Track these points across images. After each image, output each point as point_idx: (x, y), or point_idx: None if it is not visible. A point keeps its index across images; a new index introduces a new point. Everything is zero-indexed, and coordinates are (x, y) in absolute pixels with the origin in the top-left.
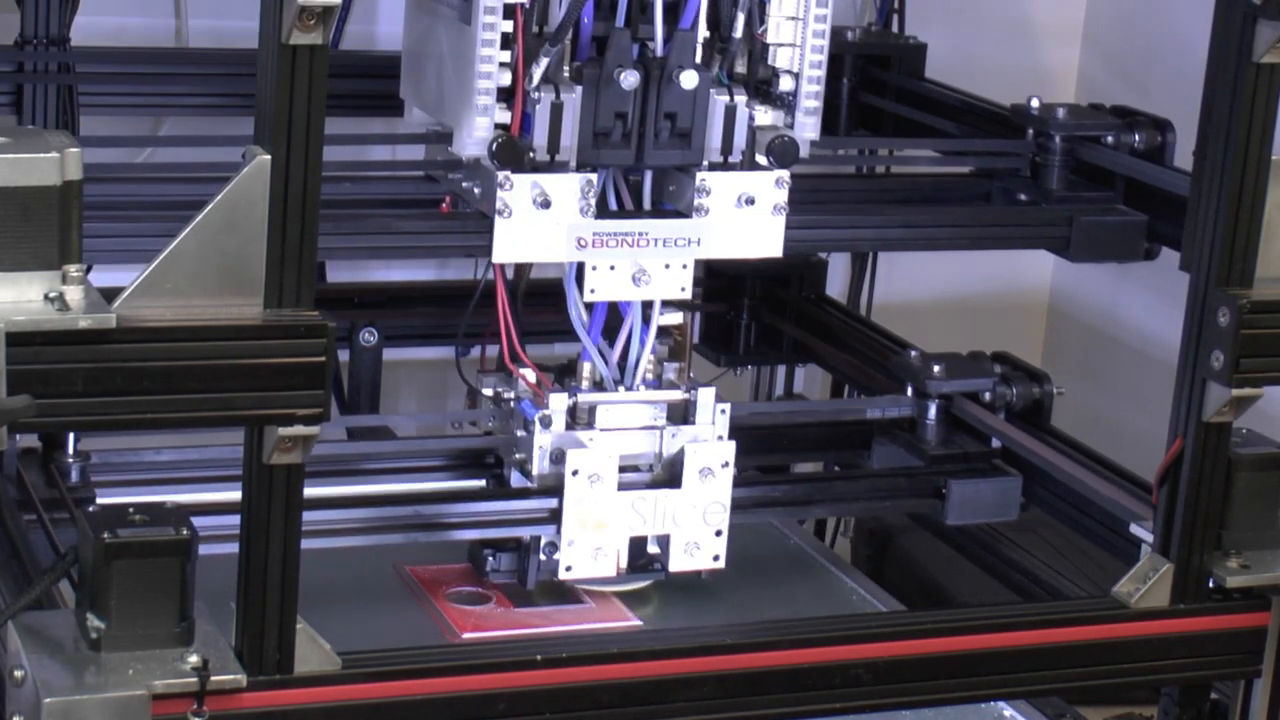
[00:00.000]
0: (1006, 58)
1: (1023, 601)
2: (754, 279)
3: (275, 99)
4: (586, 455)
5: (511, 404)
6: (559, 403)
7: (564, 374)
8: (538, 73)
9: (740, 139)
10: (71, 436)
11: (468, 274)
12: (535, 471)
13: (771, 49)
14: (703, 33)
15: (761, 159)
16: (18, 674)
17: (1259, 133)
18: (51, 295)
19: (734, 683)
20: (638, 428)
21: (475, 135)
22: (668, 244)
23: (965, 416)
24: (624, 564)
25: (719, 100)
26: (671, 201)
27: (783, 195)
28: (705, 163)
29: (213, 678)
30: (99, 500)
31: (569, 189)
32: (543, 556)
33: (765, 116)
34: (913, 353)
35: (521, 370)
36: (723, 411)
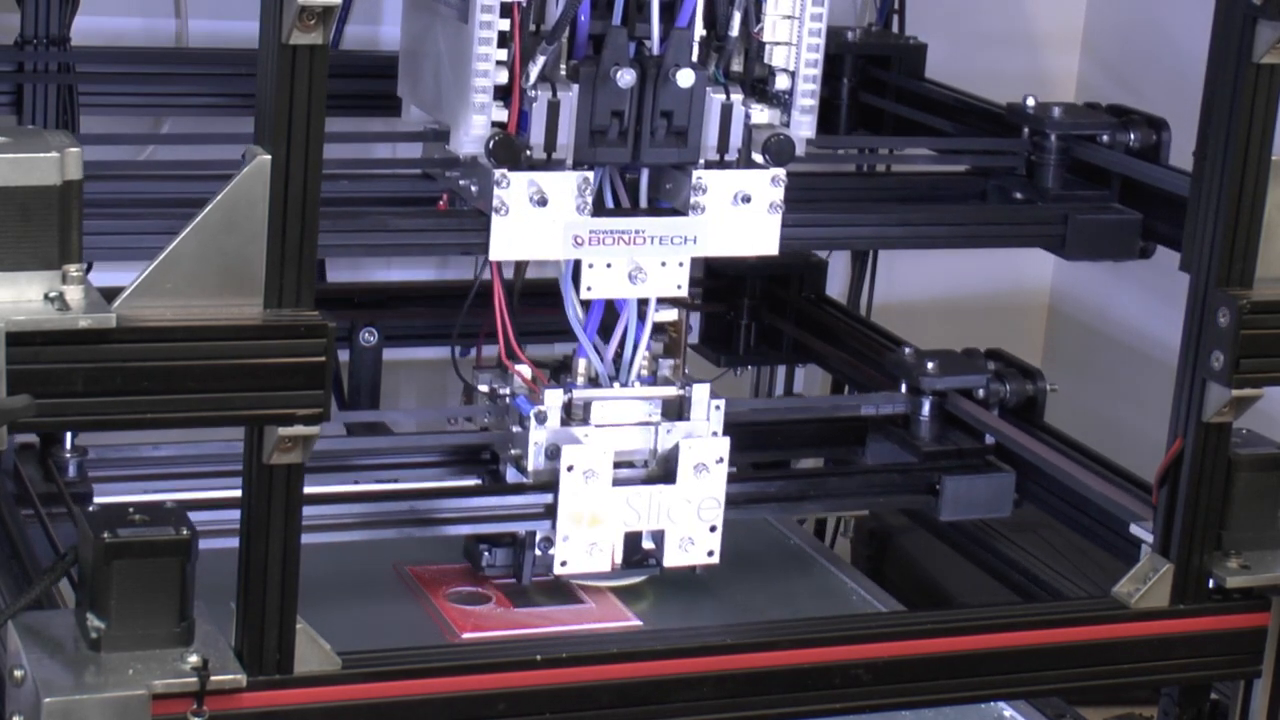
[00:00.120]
0: (1006, 57)
1: (1023, 601)
2: (754, 279)
3: (275, 99)
4: (581, 451)
5: (507, 400)
6: (554, 399)
7: (559, 370)
8: (534, 71)
9: (736, 137)
10: (69, 432)
11: (468, 274)
12: (530, 467)
13: (768, 47)
14: (699, 31)
15: (758, 157)
16: (18, 674)
17: (1259, 133)
18: (51, 295)
19: (734, 683)
20: (633, 424)
21: (472, 133)
22: (664, 242)
23: (959, 413)
24: (619, 559)
25: (715, 99)
26: (668, 199)
27: (779, 193)
28: (701, 161)
29: (213, 678)
30: (97, 495)
31: (566, 187)
32: (538, 552)
33: (761, 115)
34: (907, 349)
35: (517, 367)
36: (717, 408)
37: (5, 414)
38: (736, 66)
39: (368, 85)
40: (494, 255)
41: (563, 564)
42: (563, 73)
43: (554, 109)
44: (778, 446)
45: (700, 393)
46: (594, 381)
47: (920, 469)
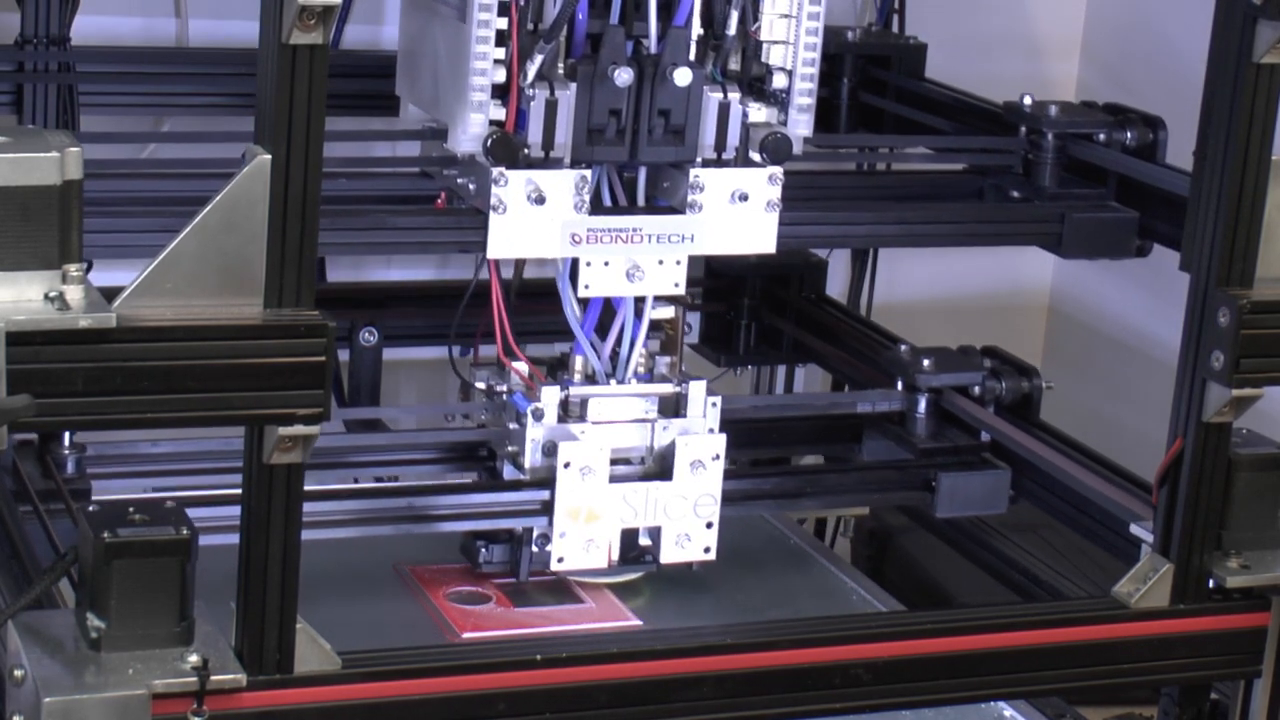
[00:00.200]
0: (1006, 57)
1: (1023, 601)
2: (754, 279)
3: (275, 99)
4: (578, 448)
5: (504, 397)
6: (551, 396)
7: (556, 368)
8: (532, 70)
9: (734, 136)
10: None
11: (468, 273)
12: (527, 464)
13: (765, 46)
14: (696, 30)
15: (755, 156)
16: (18, 673)
17: (1259, 133)
18: (51, 295)
19: (734, 683)
20: (629, 421)
21: (470, 132)
22: (661, 240)
23: (955, 410)
24: (615, 556)
25: (713, 97)
26: (665, 198)
27: (776, 192)
28: (699, 159)
29: (213, 677)
30: (95, 492)
31: (563, 185)
32: (535, 548)
33: (759, 113)
34: (903, 347)
35: (514, 364)
36: (714, 405)
37: (5, 414)
38: (734, 65)
39: (368, 85)
40: (492, 253)
41: (560, 560)
42: (560, 71)
43: (552, 107)
44: (774, 444)
45: (697, 390)
46: (591, 379)
47: (916, 466)
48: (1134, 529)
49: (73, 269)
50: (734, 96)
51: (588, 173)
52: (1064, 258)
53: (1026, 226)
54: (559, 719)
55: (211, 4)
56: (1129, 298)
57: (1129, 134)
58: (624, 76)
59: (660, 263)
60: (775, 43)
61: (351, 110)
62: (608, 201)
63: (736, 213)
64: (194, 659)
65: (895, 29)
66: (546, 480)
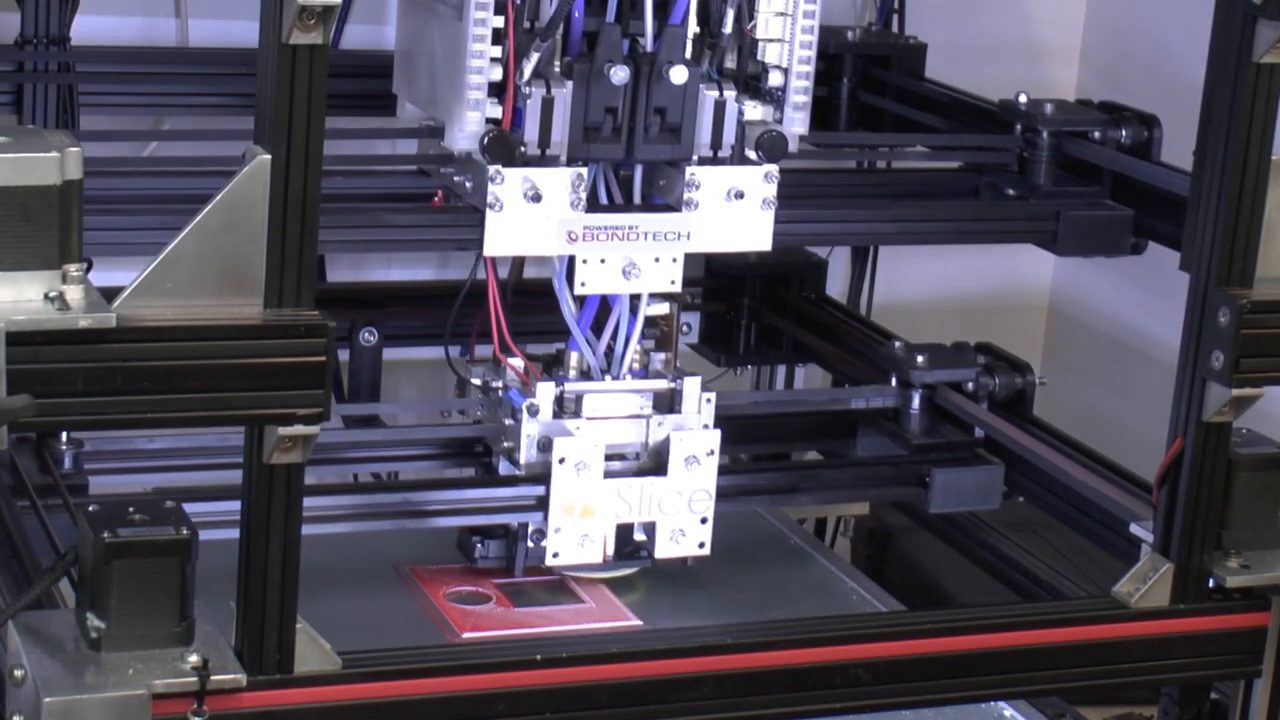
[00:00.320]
0: (1005, 57)
1: (1023, 601)
2: (754, 279)
3: (275, 99)
4: (573, 443)
5: (500, 393)
6: (546, 392)
7: (552, 364)
8: (529, 68)
9: (730, 134)
10: None
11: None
12: (523, 460)
13: (761, 44)
14: (692, 28)
15: (751, 154)
16: (18, 673)
17: (1259, 133)
18: (51, 295)
19: (734, 683)
20: (624, 416)
21: (467, 130)
22: (657, 238)
23: (948, 406)
24: (611, 551)
25: (708, 95)
26: (661, 196)
27: (772, 189)
28: (695, 157)
29: (213, 677)
30: (93, 487)
31: (560, 183)
32: (530, 544)
33: (754, 111)
34: (897, 343)
35: (510, 360)
36: (708, 401)
37: (5, 414)
38: (730, 63)
39: (368, 85)
40: (488, 251)
41: (554, 555)
42: (557, 69)
43: (548, 106)
44: (769, 440)
45: (691, 386)
46: (586, 375)
47: (910, 461)
48: (1134, 529)
49: (73, 269)
50: (730, 94)
51: (584, 171)
52: (1059, 255)
53: (1022, 224)
54: (559, 719)
55: (211, 4)
56: (1129, 297)
57: (1124, 132)
58: (620, 75)
59: (656, 260)
60: (771, 41)
61: (351, 110)
62: (604, 199)
63: (732, 210)
64: (194, 659)
65: (895, 29)
66: (542, 476)
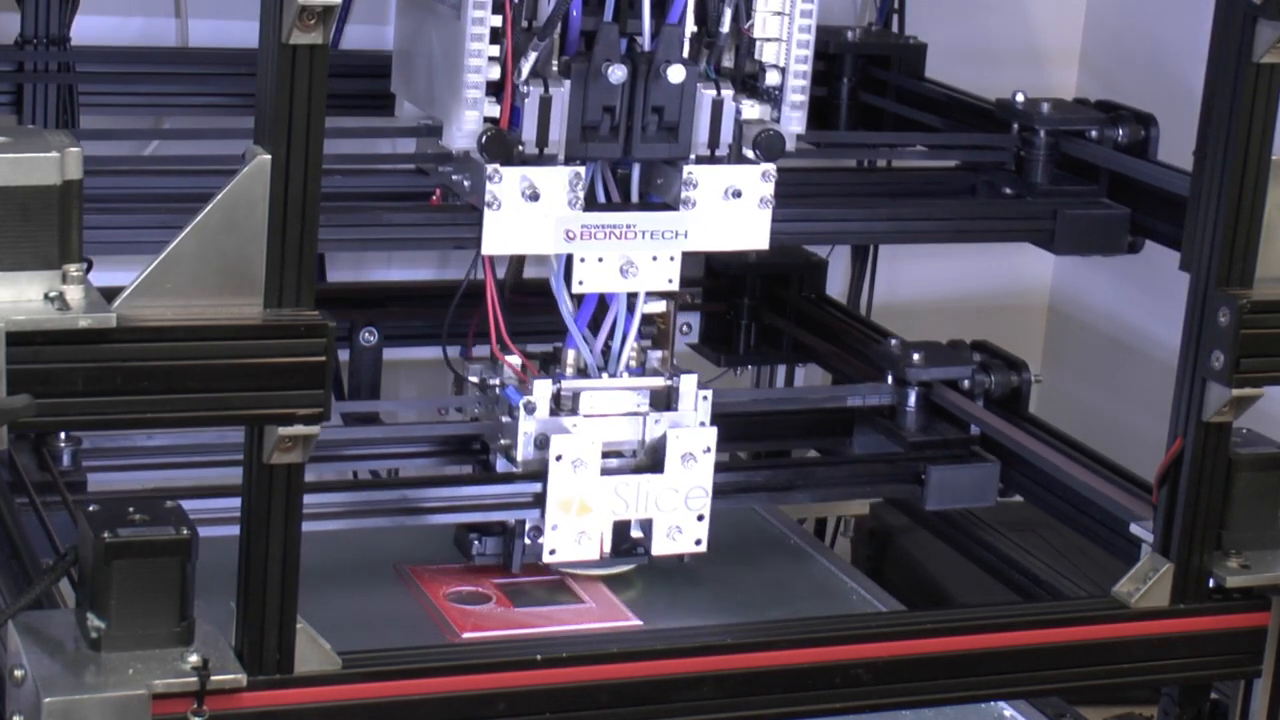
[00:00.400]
0: (1006, 56)
1: (1023, 601)
2: (754, 279)
3: (275, 99)
4: (570, 440)
5: (497, 391)
6: (543, 389)
7: (549, 362)
8: (526, 67)
9: (727, 133)
10: None
11: (473, 275)
12: (520, 457)
13: (758, 44)
14: (690, 27)
15: (748, 152)
16: (18, 674)
17: (1259, 133)
18: (51, 295)
19: (734, 683)
20: (621, 414)
21: (465, 129)
22: (655, 236)
23: (944, 404)
24: (607, 548)
25: (706, 94)
26: (659, 194)
27: (769, 188)
28: (692, 156)
29: (213, 677)
30: (91, 484)
31: (557, 182)
32: (527, 540)
33: (752, 110)
34: (893, 341)
35: (507, 357)
36: (705, 398)
37: (5, 414)
38: (727, 62)
39: (368, 85)
40: (486, 249)
41: (551, 552)
42: (554, 68)
43: (546, 104)
44: (765, 438)
45: (688, 383)
46: (583, 372)
47: (906, 459)
48: (1134, 529)
49: (73, 269)
50: (727, 93)
51: (582, 169)
52: (1056, 254)
53: (1019, 223)
54: (559, 719)
55: (211, 4)
56: (1129, 297)
57: (1121, 131)
58: (618, 73)
59: (654, 259)
60: (768, 40)
61: (351, 110)
62: (602, 198)
63: (730, 209)
64: (194, 659)
65: (895, 29)
66: (538, 473)
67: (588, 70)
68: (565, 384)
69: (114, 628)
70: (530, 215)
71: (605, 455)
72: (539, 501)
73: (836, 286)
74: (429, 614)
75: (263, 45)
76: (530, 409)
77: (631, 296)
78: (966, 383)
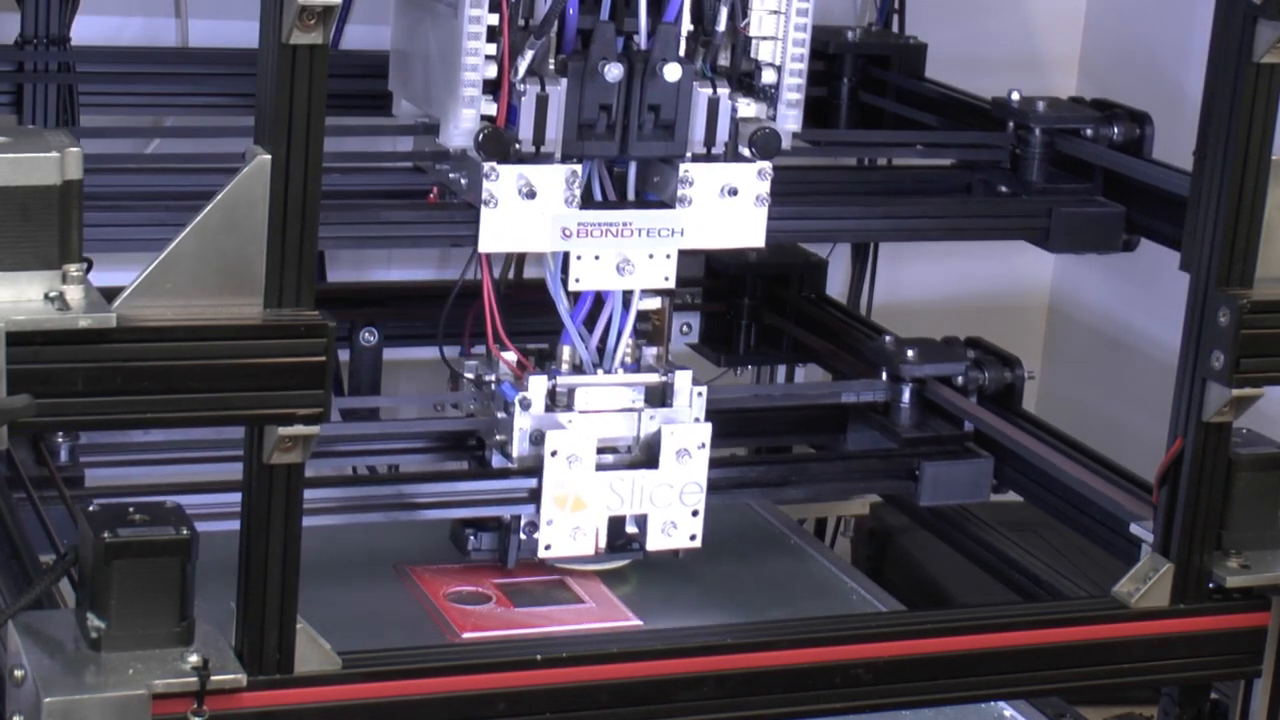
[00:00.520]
0: (1006, 56)
1: (1023, 601)
2: (754, 279)
3: (275, 99)
4: (565, 436)
5: (492, 387)
6: (538, 385)
7: (544, 358)
8: (523, 65)
9: (723, 131)
10: None
11: (471, 274)
12: (515, 453)
13: (754, 42)
14: (686, 26)
15: (744, 151)
16: (18, 674)
17: (1259, 133)
18: (51, 295)
19: (734, 683)
20: (616, 410)
21: (462, 127)
22: (651, 234)
23: (938, 400)
24: (603, 543)
25: (702, 93)
26: (655, 192)
27: (765, 186)
28: (688, 154)
29: (213, 677)
30: (88, 479)
31: (554, 180)
32: (523, 536)
33: (748, 109)
34: (887, 338)
35: (503, 354)
36: (699, 394)
37: (5, 414)
38: (723, 61)
39: (368, 85)
40: (483, 247)
41: (547, 548)
42: (551, 67)
43: (542, 103)
44: (760, 434)
45: (683, 380)
46: (578, 369)
47: (900, 455)
48: (1134, 529)
49: (73, 269)
50: (723, 92)
51: (578, 167)
52: (1051, 251)
53: (1014, 221)
54: (559, 719)
55: (211, 4)
56: (1129, 297)
57: (1116, 129)
58: (614, 72)
59: (650, 257)
60: (764, 38)
61: (351, 110)
62: (598, 196)
63: (726, 207)
64: (194, 659)
65: (895, 29)
66: (534, 468)
67: (584, 69)
68: (561, 380)
69: (114, 628)
70: (527, 213)
71: (600, 451)
72: (534, 497)
73: (837, 287)
74: (429, 614)
75: (263, 45)
76: (526, 405)
77: (627, 293)
78: (960, 379)
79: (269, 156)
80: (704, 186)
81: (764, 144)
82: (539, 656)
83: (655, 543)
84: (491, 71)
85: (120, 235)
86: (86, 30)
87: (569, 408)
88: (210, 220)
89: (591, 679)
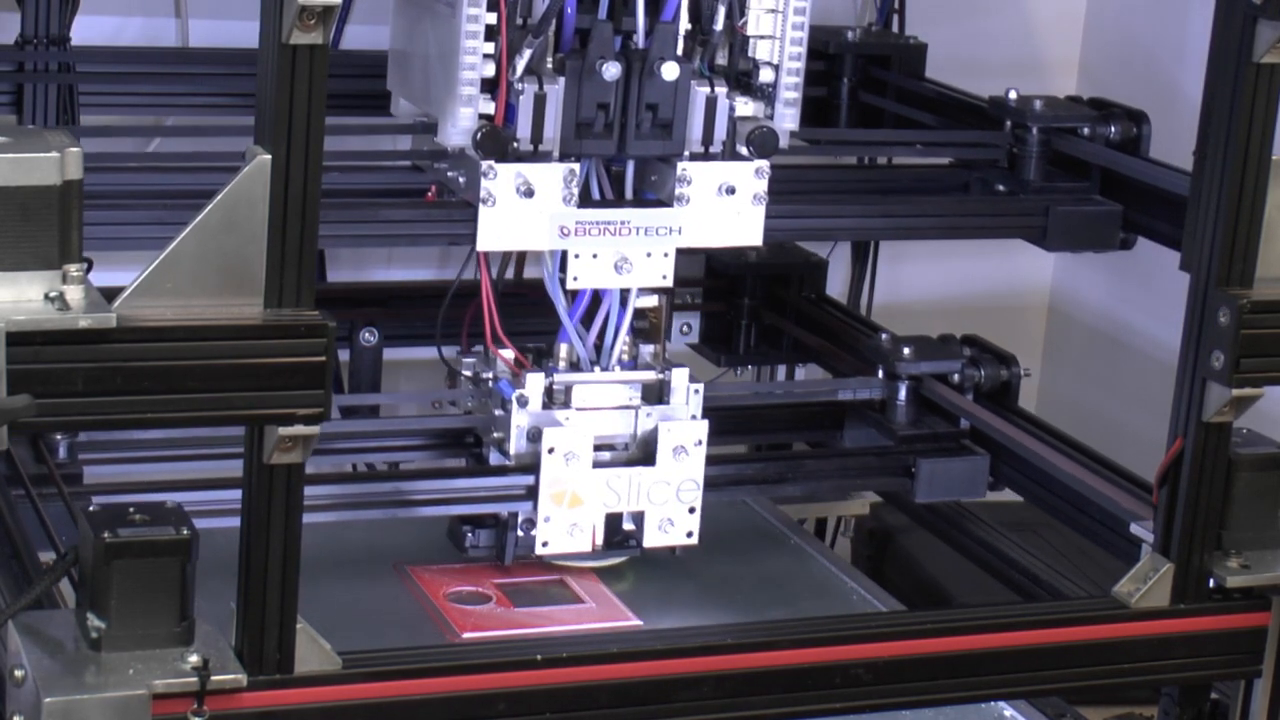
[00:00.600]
0: (1006, 56)
1: (1023, 601)
2: (754, 279)
3: (275, 99)
4: (562, 434)
5: (490, 384)
6: (535, 383)
7: (542, 355)
8: (521, 64)
9: (721, 130)
10: None
11: (469, 273)
12: (513, 450)
13: (752, 41)
14: (684, 25)
15: (742, 149)
16: (18, 674)
17: (1259, 133)
18: (51, 295)
19: (734, 683)
20: (613, 407)
21: (460, 125)
22: (649, 233)
23: (934, 397)
24: (600, 540)
25: (700, 91)
26: (653, 191)
27: (762, 185)
28: (686, 153)
29: (213, 677)
30: (87, 477)
31: (552, 178)
32: (520, 533)
33: (745, 108)
34: (883, 335)
35: (501, 351)
36: (696, 392)
37: (5, 414)
38: (721, 60)
39: (368, 85)
40: (481, 246)
41: (544, 545)
42: (549, 66)
43: (540, 101)
44: (757, 431)
45: (679, 377)
46: (575, 366)
47: (896, 452)
48: (1134, 529)
49: (73, 269)
50: (721, 91)
51: (576, 166)
52: (1048, 250)
53: (1011, 219)
54: (559, 719)
55: (211, 4)
56: (1129, 297)
57: (1113, 128)
58: (612, 71)
59: (648, 255)
60: (762, 38)
61: (351, 110)
62: (596, 195)
63: (723, 206)
64: (194, 659)
65: (895, 29)
66: (531, 465)
67: (582, 67)
68: (558, 378)
69: (114, 628)
70: (525, 211)
71: (597, 448)
72: (531, 494)
73: (837, 287)
74: (429, 614)
75: (263, 45)
76: (523, 402)
77: (624, 291)
78: (956, 376)
79: (269, 156)
80: (702, 185)
81: (761, 143)
82: (539, 656)
83: (652, 539)
84: (489, 70)
85: (120, 235)
86: (86, 30)
87: (566, 405)
88: (210, 220)
89: (591, 679)
